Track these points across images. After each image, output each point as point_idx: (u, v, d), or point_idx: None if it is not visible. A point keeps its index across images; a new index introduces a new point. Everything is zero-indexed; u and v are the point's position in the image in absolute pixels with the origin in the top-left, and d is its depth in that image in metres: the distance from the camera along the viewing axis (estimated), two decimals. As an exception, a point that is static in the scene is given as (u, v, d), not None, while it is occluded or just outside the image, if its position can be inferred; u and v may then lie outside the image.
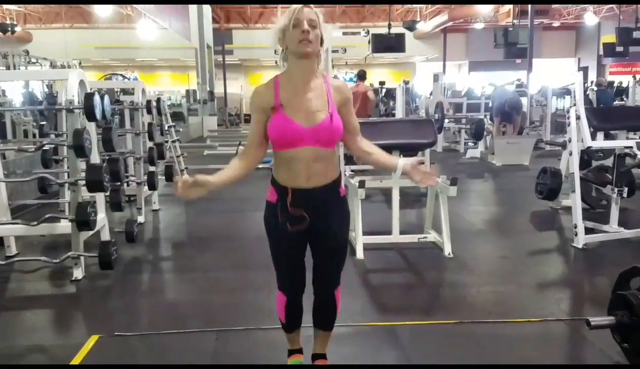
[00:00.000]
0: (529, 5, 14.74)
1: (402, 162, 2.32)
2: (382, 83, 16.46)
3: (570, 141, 4.71)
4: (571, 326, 3.10)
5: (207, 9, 18.50)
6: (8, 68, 10.48)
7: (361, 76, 9.35)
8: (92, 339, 2.93)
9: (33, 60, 12.22)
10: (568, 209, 5.31)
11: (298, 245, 2.28)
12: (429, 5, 22.30)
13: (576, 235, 4.57)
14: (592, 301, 3.60)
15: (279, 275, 2.37)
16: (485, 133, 10.43)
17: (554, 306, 3.42)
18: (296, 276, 2.34)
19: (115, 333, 3.00)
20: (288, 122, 2.11)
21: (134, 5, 12.69)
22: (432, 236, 4.64)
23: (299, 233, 2.21)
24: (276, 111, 2.13)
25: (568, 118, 4.75)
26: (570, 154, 4.68)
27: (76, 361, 2.71)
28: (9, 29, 16.24)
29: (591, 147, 4.75)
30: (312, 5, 2.14)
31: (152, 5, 12.20)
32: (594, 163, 5.87)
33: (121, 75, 18.56)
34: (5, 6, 19.70)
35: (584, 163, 5.69)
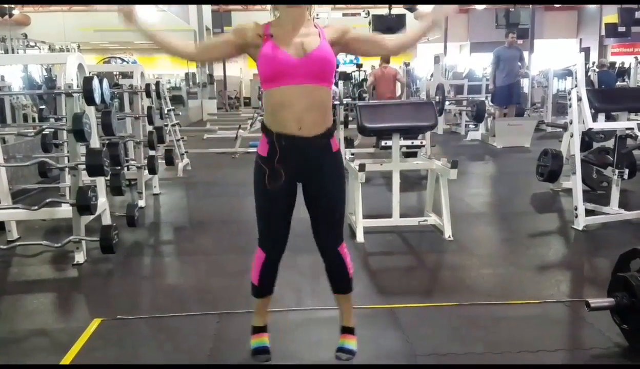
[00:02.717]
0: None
1: (425, 20, 2.27)
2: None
3: (571, 123, 4.69)
4: (571, 308, 3.11)
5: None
6: (6, 52, 10.43)
7: (386, 59, 9.49)
8: (95, 323, 2.95)
9: (31, 43, 12.17)
10: (569, 191, 5.32)
11: (288, 200, 2.24)
12: (430, -14, 22.08)
13: (576, 217, 4.58)
14: (592, 283, 3.61)
15: (262, 230, 2.32)
16: (486, 115, 10.39)
17: (553, 288, 3.43)
18: (280, 233, 2.29)
19: (117, 317, 3.02)
20: (277, 51, 2.05)
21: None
22: (432, 219, 4.65)
23: (289, 187, 2.20)
24: (266, 41, 2.08)
25: (569, 99, 4.72)
26: (572, 136, 4.66)
27: (78, 344, 2.73)
28: (7, 12, 16.10)
29: (592, 128, 4.74)
30: None
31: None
32: (595, 145, 5.86)
33: (120, 58, 18.47)
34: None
35: (585, 144, 5.67)
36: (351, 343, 2.48)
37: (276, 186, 2.17)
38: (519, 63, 9.98)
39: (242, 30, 2.14)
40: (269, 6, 2.19)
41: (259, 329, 2.53)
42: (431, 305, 3.16)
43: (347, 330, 2.50)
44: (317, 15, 2.37)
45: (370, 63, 19.02)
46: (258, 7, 23.27)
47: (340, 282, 2.43)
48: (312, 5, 2.16)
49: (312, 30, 2.14)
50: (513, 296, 3.26)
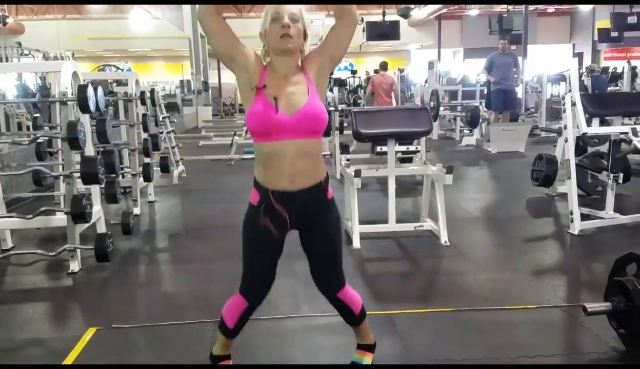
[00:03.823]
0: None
1: None
2: (377, 71, 16.40)
3: (565, 127, 4.71)
4: (568, 313, 3.11)
5: (200, -2, 18.36)
6: (0, 60, 10.41)
7: (384, 67, 9.66)
8: (90, 332, 2.93)
9: (26, 51, 12.14)
10: (564, 195, 5.33)
11: (274, 252, 2.19)
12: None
13: (572, 221, 4.59)
14: (588, 288, 3.62)
15: (248, 280, 2.24)
16: (480, 120, 10.43)
17: (550, 293, 3.43)
18: (267, 281, 2.23)
19: (113, 325, 3.00)
20: (269, 108, 1.99)
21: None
22: (428, 224, 4.65)
23: (278, 240, 2.14)
24: (258, 93, 2.02)
25: (563, 104, 4.74)
26: (566, 141, 4.68)
27: (74, 353, 2.71)
28: (0, 20, 16.09)
29: (587, 133, 4.76)
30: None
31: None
32: (590, 150, 5.88)
33: (114, 66, 18.45)
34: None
35: (580, 149, 5.70)
36: (365, 358, 2.45)
37: (282, 234, 2.15)
38: (514, 69, 10.02)
39: (248, 55, 2.08)
40: (261, 49, 2.12)
41: (221, 358, 2.41)
42: (428, 311, 3.15)
43: (363, 347, 2.46)
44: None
45: (365, 70, 19.09)
46: (252, 14, 23.32)
47: (348, 320, 2.39)
48: (304, 51, 2.10)
49: (301, 77, 2.07)
50: (510, 301, 3.25)
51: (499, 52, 9.94)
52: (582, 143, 5.76)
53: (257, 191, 2.12)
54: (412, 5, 21.17)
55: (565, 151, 4.76)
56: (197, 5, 2.10)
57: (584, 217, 4.69)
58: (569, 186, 4.64)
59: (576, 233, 4.54)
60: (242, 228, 2.20)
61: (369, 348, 2.46)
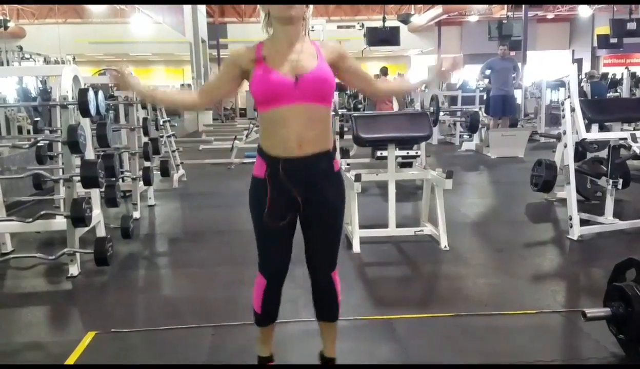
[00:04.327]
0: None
1: (423, 78, 2.31)
2: (377, 76, 16.43)
3: (564, 133, 4.72)
4: (567, 318, 3.11)
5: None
6: (1, 64, 10.43)
7: (385, 72, 9.72)
8: (89, 336, 2.92)
9: (27, 55, 12.18)
10: (563, 201, 5.33)
11: (288, 221, 2.09)
12: (424, -2, 22.29)
13: (571, 226, 4.59)
14: (587, 293, 3.61)
15: (262, 255, 2.17)
16: (480, 125, 10.43)
17: (549, 298, 3.43)
18: (281, 256, 2.15)
19: (112, 330, 2.99)
20: (271, 73, 1.93)
21: None
22: (428, 229, 4.65)
23: (288, 210, 2.07)
24: (258, 65, 1.97)
25: (563, 110, 4.76)
26: (565, 146, 4.69)
27: (73, 357, 2.71)
28: (2, 24, 16.14)
29: (586, 138, 4.77)
30: None
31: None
32: (589, 155, 5.89)
33: (115, 70, 18.46)
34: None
35: (579, 155, 5.70)
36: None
37: (275, 225, 2.07)
38: (513, 75, 10.04)
39: (234, 60, 2.06)
40: (262, 20, 2.08)
41: (265, 360, 2.37)
42: (428, 316, 3.15)
43: (329, 360, 2.37)
44: (312, 27, 2.33)
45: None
46: (253, 19, 23.39)
47: (328, 309, 2.29)
48: (308, 19, 2.06)
49: (309, 47, 2.02)
50: (509, 307, 3.26)
51: (499, 57, 9.96)
52: (581, 149, 5.76)
53: (262, 160, 2.05)
54: (412, 11, 21.26)
55: (564, 156, 4.77)
56: (184, 108, 2.22)
57: (583, 223, 4.69)
58: (568, 192, 4.64)
59: (575, 238, 4.54)
60: (249, 202, 2.14)
61: (334, 361, 2.38)
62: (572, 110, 4.62)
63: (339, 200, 2.14)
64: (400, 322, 3.05)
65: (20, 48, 12.57)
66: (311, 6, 2.05)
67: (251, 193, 2.12)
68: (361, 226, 4.42)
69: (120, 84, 2.15)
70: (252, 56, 2.01)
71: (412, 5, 22.26)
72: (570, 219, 4.59)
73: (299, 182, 2.03)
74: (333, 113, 7.56)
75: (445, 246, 4.32)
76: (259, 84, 1.97)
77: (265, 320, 2.28)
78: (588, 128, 4.77)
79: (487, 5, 19.74)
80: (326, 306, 2.29)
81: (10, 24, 18.37)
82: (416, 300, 3.47)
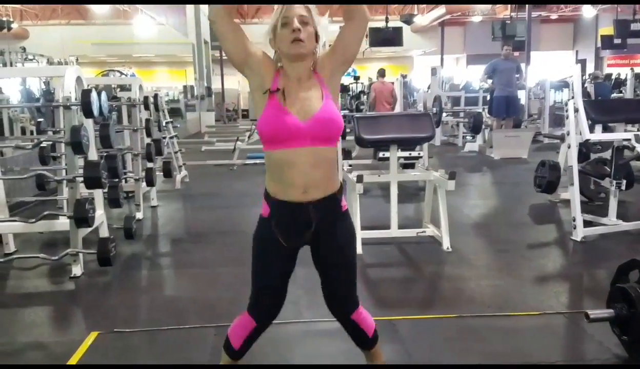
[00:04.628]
0: (527, -2, 14.72)
1: None
2: (381, 71, 16.43)
3: (568, 134, 4.71)
4: (570, 319, 3.10)
5: (204, 4, 18.45)
6: (5, 65, 10.46)
7: (382, 74, 9.83)
8: (92, 336, 2.93)
9: (30, 56, 12.21)
10: (566, 202, 5.31)
11: (286, 268, 2.06)
12: (427, -1, 22.27)
13: (575, 228, 4.58)
14: (591, 294, 3.61)
15: (257, 297, 2.09)
16: (483, 126, 10.42)
17: (553, 299, 3.42)
18: (275, 301, 2.09)
19: (115, 330, 3.00)
20: (282, 112, 1.88)
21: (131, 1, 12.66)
22: (430, 230, 4.65)
23: (290, 256, 2.03)
24: (271, 97, 1.90)
25: (566, 111, 4.74)
26: (569, 147, 4.68)
27: (75, 357, 2.71)
28: (5, 25, 16.19)
29: (589, 139, 4.75)
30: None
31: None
32: (592, 156, 5.87)
33: (118, 71, 18.52)
34: (1, 4, 19.61)
35: (582, 156, 5.69)
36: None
37: (295, 243, 2.02)
38: (517, 75, 10.02)
39: (262, 58, 1.96)
40: (266, 32, 1.99)
41: None
42: (430, 317, 3.14)
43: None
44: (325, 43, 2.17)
45: (368, 76, 19.14)
46: (256, 20, 23.41)
47: (360, 343, 2.22)
48: (317, 53, 1.98)
49: (314, 81, 1.96)
50: (512, 308, 3.25)
51: (502, 58, 9.95)
52: (584, 150, 5.75)
53: (267, 204, 2.00)
54: (415, 12, 21.25)
55: (568, 157, 4.76)
56: (209, 6, 1.96)
57: (587, 224, 4.68)
58: (572, 193, 4.63)
59: (579, 239, 4.53)
60: (252, 241, 2.06)
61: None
62: (576, 110, 4.60)
63: (348, 241, 2.08)
64: (403, 323, 3.04)
65: (24, 49, 12.60)
66: (321, 41, 1.98)
67: (257, 232, 2.06)
68: (363, 228, 4.41)
69: None
70: (271, 74, 1.95)
71: (415, 6, 22.25)
72: (574, 220, 4.58)
73: (304, 226, 1.96)
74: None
75: (447, 248, 4.32)
76: (270, 122, 1.89)
77: (239, 356, 2.18)
78: (592, 129, 4.76)
79: (490, 5, 19.71)
80: (356, 341, 2.23)
81: (14, 25, 18.44)
82: (419, 301, 3.47)
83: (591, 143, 5.37)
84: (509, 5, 18.01)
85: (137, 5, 12.66)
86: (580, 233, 4.54)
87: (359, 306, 2.15)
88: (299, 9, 1.90)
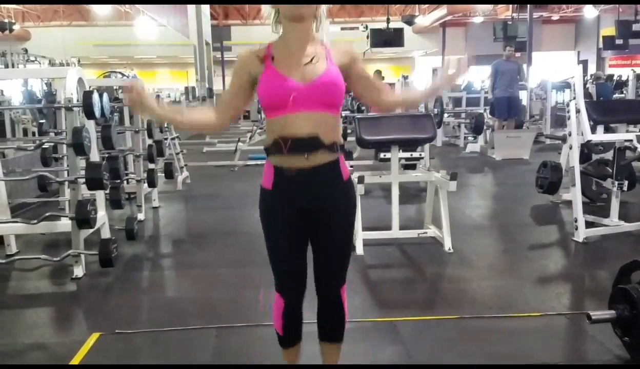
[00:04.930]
0: (528, -1, 14.73)
1: (432, 86, 2.22)
2: (379, 71, 16.42)
3: (570, 135, 4.70)
4: (572, 320, 3.10)
5: (205, 5, 18.48)
6: (7, 66, 10.48)
7: (380, 75, 9.74)
8: (93, 337, 2.93)
9: (32, 58, 12.23)
10: (568, 203, 5.30)
11: (299, 237, 1.98)
12: None
13: (577, 228, 4.57)
14: (592, 295, 3.60)
15: (278, 274, 2.04)
16: (485, 127, 10.41)
17: (554, 300, 3.42)
18: (298, 273, 2.02)
19: (116, 331, 3.00)
20: (280, 77, 1.83)
21: (132, 3, 12.67)
22: (432, 231, 4.64)
23: (299, 223, 1.96)
24: (266, 67, 1.86)
25: (568, 112, 4.74)
26: (571, 148, 4.67)
27: (77, 358, 2.71)
28: (7, 27, 16.23)
29: (591, 140, 4.75)
30: None
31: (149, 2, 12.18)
32: (594, 157, 5.87)
33: (120, 72, 18.54)
34: (2, 5, 19.67)
35: (584, 156, 5.68)
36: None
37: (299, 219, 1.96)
38: (518, 77, 10.02)
39: (243, 65, 1.94)
40: (269, 21, 1.95)
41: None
42: (432, 318, 3.14)
43: None
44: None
45: (369, 77, 19.12)
46: (257, 21, 23.42)
47: (333, 328, 2.15)
48: (320, 17, 1.92)
49: (319, 49, 1.89)
50: (514, 309, 3.24)
51: (504, 59, 9.95)
52: (586, 151, 5.74)
53: (270, 171, 1.95)
54: (417, 12, 21.26)
55: (569, 158, 4.75)
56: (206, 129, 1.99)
57: (589, 225, 4.67)
58: (574, 194, 4.63)
59: (580, 240, 4.52)
60: (259, 217, 2.02)
61: None
62: (578, 111, 4.60)
63: (349, 211, 2.03)
64: (404, 324, 3.04)
65: (25, 50, 12.63)
66: (323, 9, 1.93)
67: (261, 207, 2.01)
68: (364, 228, 4.41)
69: (136, 107, 1.95)
70: (261, 57, 1.90)
71: (417, 6, 22.26)
72: (576, 221, 4.57)
73: (307, 190, 1.92)
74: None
75: (449, 249, 4.31)
76: (267, 88, 1.86)
77: (289, 341, 2.15)
78: (593, 130, 4.75)
79: (492, 6, 19.71)
80: (331, 325, 2.15)
81: (16, 27, 18.49)
82: (420, 302, 3.46)
83: (593, 144, 5.36)
84: (511, 6, 18.02)
85: (139, 7, 12.67)
86: (582, 234, 4.53)
87: (345, 284, 2.12)
88: None
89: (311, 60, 1.86)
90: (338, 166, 1.96)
